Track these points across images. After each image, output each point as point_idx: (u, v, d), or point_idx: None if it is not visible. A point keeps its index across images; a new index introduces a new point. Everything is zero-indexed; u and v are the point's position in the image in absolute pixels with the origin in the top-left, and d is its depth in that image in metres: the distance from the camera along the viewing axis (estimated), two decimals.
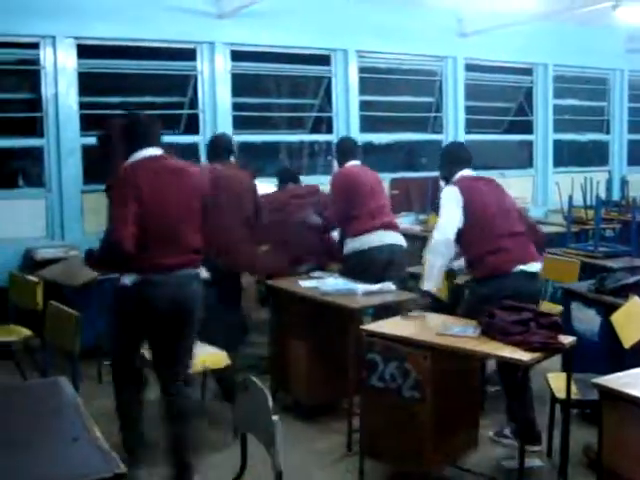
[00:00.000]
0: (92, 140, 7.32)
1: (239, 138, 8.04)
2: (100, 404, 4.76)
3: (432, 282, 4.27)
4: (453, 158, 4.71)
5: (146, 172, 3.78)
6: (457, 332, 3.65)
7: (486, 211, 4.35)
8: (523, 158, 10.35)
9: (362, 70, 8.83)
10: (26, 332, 5.20)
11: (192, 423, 4.02)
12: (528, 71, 10.17)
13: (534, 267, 4.33)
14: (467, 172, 4.59)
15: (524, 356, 3.35)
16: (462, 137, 9.47)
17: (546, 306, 5.44)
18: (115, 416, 4.56)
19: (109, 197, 4.40)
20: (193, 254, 3.90)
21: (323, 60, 8.69)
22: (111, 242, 3.69)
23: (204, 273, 4.05)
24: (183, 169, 3.96)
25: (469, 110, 9.62)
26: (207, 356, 4.58)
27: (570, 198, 7.09)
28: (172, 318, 3.81)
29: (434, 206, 7.83)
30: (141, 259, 3.68)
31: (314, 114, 8.98)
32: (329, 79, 8.74)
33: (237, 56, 8.15)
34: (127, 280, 3.76)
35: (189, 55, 7.95)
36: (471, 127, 9.66)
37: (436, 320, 4.02)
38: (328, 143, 8.76)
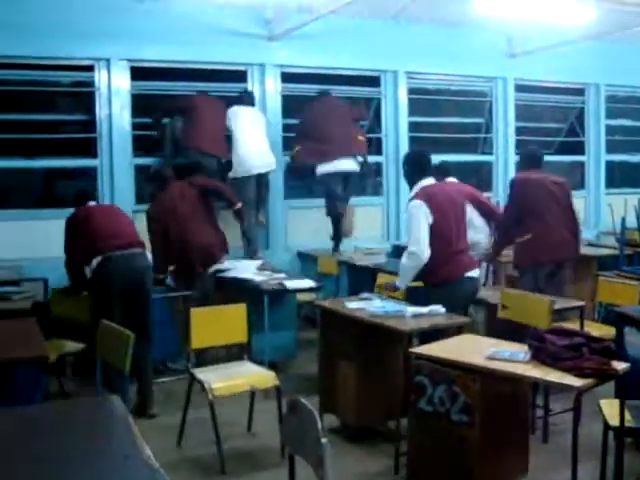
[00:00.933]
0: (145, 161, 7.55)
1: (285, 159, 8.16)
2: (150, 422, 4.85)
3: (405, 282, 5.00)
4: (416, 168, 5.12)
5: (89, 213, 5.65)
6: (507, 356, 3.61)
7: (445, 229, 4.88)
8: (575, 179, 10.19)
9: (411, 91, 8.85)
10: (78, 346, 5.26)
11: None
12: (580, 91, 10.06)
13: (476, 273, 5.07)
14: (428, 181, 5.02)
15: (576, 382, 3.29)
16: (512, 158, 9.41)
17: (597, 329, 5.36)
18: (166, 434, 4.63)
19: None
20: (133, 238, 5.52)
21: (373, 81, 8.73)
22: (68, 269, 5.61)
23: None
24: (111, 207, 6.32)
25: (519, 131, 9.55)
26: (254, 376, 4.61)
27: (623, 220, 6.99)
28: (129, 282, 5.28)
29: None
30: (97, 249, 5.27)
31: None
32: (379, 100, 8.78)
33: (287, 77, 8.25)
34: (94, 262, 5.27)
35: (240, 77, 8.08)
36: (521, 148, 9.56)
37: (485, 343, 3.98)
38: (377, 164, 8.77)
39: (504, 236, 6.20)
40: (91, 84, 7.49)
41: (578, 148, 10.17)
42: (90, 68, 7.46)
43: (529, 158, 6.24)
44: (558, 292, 5.66)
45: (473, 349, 3.88)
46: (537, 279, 5.82)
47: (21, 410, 3.13)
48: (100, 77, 7.47)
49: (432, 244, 4.80)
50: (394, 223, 8.72)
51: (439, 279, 4.88)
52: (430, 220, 4.80)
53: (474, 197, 6.27)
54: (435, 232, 4.81)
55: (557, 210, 5.92)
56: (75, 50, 7.23)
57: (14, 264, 6.61)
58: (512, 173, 9.38)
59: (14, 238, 6.84)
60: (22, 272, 6.44)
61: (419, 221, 4.80)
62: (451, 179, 6.37)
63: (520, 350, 3.70)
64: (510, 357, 3.60)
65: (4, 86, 7.15)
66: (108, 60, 7.43)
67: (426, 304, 4.66)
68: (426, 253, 4.78)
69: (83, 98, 7.65)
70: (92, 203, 5.89)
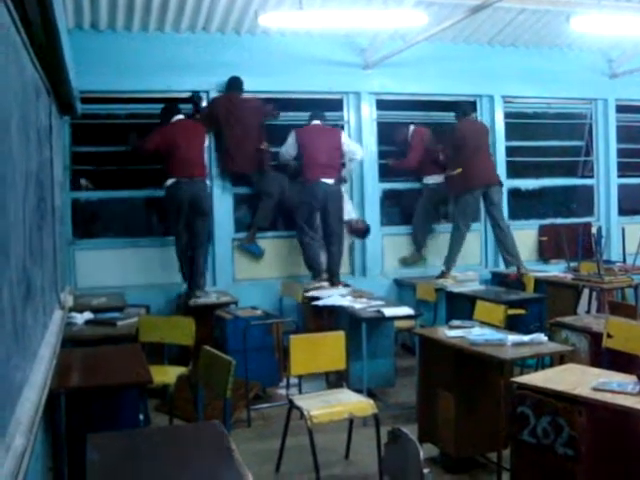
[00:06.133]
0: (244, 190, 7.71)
1: (381, 186, 8.22)
2: (250, 447, 4.89)
3: None
4: None
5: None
6: (615, 387, 3.48)
7: None
8: None
9: (508, 115, 8.72)
10: (180, 370, 5.35)
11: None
12: None
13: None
14: None
15: None
16: (614, 181, 9.14)
17: None
18: (265, 459, 4.66)
19: None
20: (201, 169, 7.14)
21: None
22: None
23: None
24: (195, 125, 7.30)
25: (621, 153, 9.27)
26: (353, 404, 4.59)
27: None
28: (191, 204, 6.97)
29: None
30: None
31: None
32: None
33: (382, 105, 8.29)
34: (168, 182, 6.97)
35: (336, 105, 8.16)
36: (624, 170, 9.28)
37: (590, 373, 3.86)
38: None
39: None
40: (191, 116, 7.69)
41: None
42: (189, 100, 7.68)
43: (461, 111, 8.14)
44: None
45: (578, 379, 3.76)
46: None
47: (124, 434, 3.22)
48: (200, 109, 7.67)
49: None
50: (492, 249, 8.56)
51: None
52: None
53: None
54: None
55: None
56: (175, 83, 7.47)
57: (117, 291, 6.85)
58: (615, 196, 9.15)
59: (118, 266, 7.07)
60: (125, 299, 6.66)
61: None
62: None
63: (629, 381, 3.56)
64: (618, 388, 3.47)
65: (108, 119, 7.49)
66: (207, 92, 7.64)
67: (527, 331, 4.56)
68: None
69: None
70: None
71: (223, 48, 7.57)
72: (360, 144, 8.07)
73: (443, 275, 7.84)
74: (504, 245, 7.99)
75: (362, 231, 7.96)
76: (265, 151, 7.51)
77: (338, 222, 7.64)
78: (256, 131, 7.47)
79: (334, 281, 7.48)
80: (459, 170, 7.84)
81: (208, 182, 7.36)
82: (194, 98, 7.61)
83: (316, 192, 7.46)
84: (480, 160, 7.95)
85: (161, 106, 7.52)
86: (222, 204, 7.66)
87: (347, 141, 7.75)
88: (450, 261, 7.94)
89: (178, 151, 6.95)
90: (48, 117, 4.27)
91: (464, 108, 8.19)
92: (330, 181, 7.51)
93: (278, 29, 7.46)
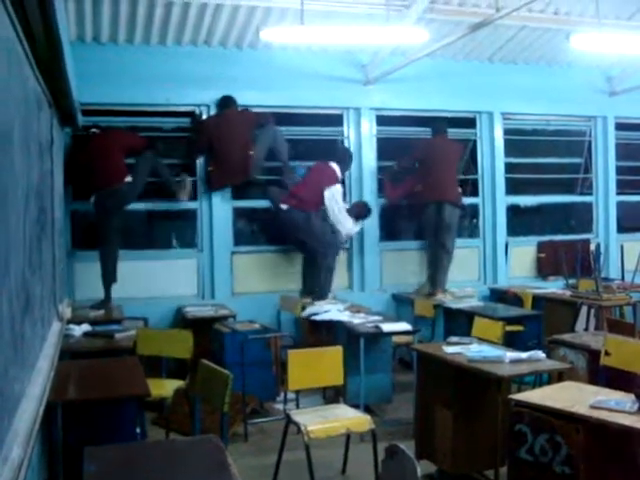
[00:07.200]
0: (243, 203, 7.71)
1: (380, 201, 8.31)
2: (247, 462, 4.88)
3: None
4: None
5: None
6: (613, 405, 3.47)
7: None
8: None
9: (507, 132, 8.74)
10: (178, 383, 5.33)
11: None
12: None
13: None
14: None
15: None
16: (613, 198, 9.16)
17: None
18: (262, 474, 4.64)
19: None
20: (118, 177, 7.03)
21: (468, 122, 8.68)
22: None
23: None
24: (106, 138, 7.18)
25: (620, 170, 9.28)
26: (350, 419, 4.58)
27: None
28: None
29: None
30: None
31: (459, 177, 8.92)
32: (474, 141, 8.71)
33: (382, 120, 8.31)
34: (92, 199, 6.99)
35: (336, 120, 8.18)
36: (623, 188, 9.30)
37: (588, 391, 3.85)
38: (474, 206, 8.65)
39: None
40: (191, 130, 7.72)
41: None
42: (191, 114, 7.70)
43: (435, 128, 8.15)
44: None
45: (575, 397, 3.75)
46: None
47: (121, 447, 3.21)
48: None
49: None
50: (491, 265, 8.58)
51: None
52: None
53: None
54: None
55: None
56: (176, 96, 7.50)
57: (116, 303, 6.84)
58: (614, 214, 9.16)
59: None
60: (124, 311, 6.65)
61: None
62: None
63: (627, 399, 3.56)
64: (616, 406, 3.47)
65: None
66: (208, 106, 7.66)
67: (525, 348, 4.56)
68: None
69: (183, 142, 7.87)
70: None
71: (224, 62, 7.60)
72: (360, 160, 8.10)
73: (433, 293, 7.82)
74: (442, 268, 7.95)
75: (364, 212, 7.87)
76: (252, 157, 7.48)
77: (309, 249, 7.62)
78: (244, 140, 7.45)
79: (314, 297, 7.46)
80: (419, 187, 8.01)
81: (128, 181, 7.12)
82: (195, 117, 7.64)
83: (282, 220, 7.57)
84: (437, 176, 7.92)
85: (162, 119, 7.57)
86: (221, 216, 7.66)
87: (329, 195, 7.52)
88: (435, 279, 7.94)
89: (89, 168, 6.97)
90: (49, 129, 4.29)
91: (437, 125, 8.17)
92: (285, 207, 7.46)
93: (279, 44, 7.47)
